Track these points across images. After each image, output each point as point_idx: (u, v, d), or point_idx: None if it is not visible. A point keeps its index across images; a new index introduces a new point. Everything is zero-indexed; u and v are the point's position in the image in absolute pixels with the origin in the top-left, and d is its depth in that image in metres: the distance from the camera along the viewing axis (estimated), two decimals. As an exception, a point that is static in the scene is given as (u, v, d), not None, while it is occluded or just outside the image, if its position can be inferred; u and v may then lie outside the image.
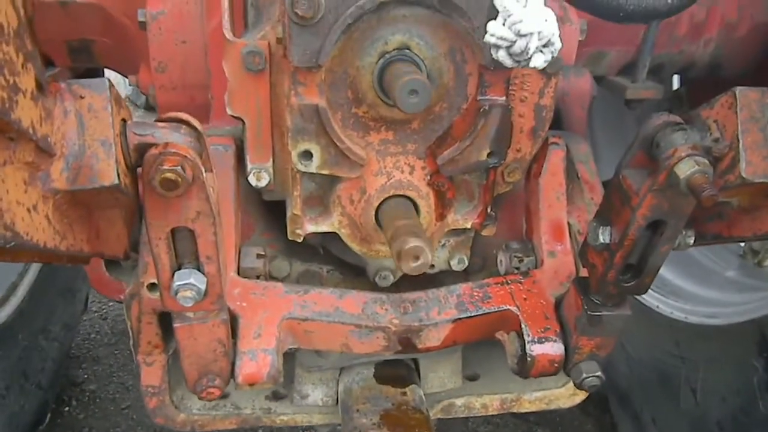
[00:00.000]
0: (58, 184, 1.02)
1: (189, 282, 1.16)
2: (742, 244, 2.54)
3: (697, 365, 2.44)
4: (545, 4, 0.88)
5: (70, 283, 3.15)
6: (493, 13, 1.07)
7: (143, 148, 1.05)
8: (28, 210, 0.97)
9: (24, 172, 0.96)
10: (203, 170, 1.05)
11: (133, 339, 1.54)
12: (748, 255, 2.52)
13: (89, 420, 3.23)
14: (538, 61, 0.92)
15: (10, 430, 2.60)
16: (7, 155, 0.93)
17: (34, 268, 2.79)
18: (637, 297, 2.69)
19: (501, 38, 0.92)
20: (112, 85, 1.08)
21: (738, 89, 1.11)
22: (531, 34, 0.87)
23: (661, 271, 2.12)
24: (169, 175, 1.00)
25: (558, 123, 1.81)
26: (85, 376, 3.45)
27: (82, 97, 1.03)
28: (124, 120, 1.10)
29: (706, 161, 1.07)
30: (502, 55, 0.95)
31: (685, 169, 1.07)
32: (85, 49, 2.08)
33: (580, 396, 1.80)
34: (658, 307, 2.64)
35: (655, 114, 1.18)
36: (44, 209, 1.01)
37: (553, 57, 0.94)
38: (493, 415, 2.65)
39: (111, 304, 3.80)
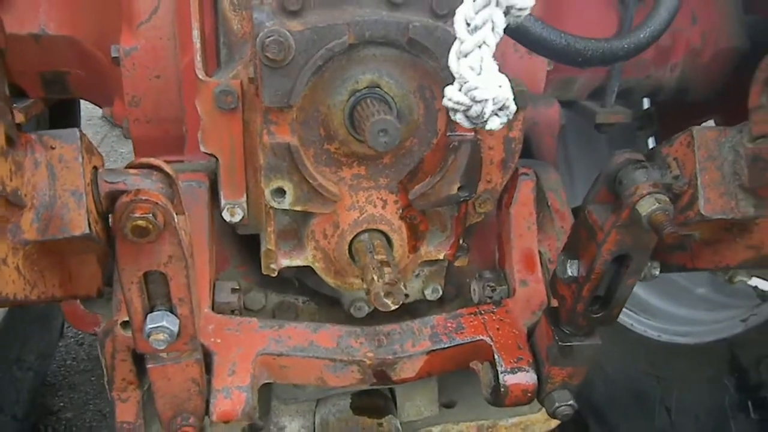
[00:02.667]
0: (28, 236, 1.02)
1: (161, 325, 1.16)
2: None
3: (671, 384, 2.48)
4: (499, 70, 0.91)
5: (45, 311, 3.12)
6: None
7: (114, 196, 1.06)
8: None
9: None
10: (174, 215, 1.06)
11: (108, 375, 1.53)
12: (719, 272, 2.57)
13: (65, 449, 3.20)
14: (494, 124, 0.95)
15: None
16: None
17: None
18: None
19: (458, 103, 0.95)
20: (83, 135, 1.09)
21: (695, 129, 1.15)
22: (486, 100, 0.89)
23: (635, 288, 2.17)
24: (140, 222, 1.02)
25: (528, 151, 1.85)
26: (62, 404, 3.41)
27: (52, 148, 1.04)
28: (95, 167, 1.11)
29: (667, 199, 1.11)
30: (459, 118, 0.98)
31: (646, 207, 1.11)
32: (59, 81, 2.08)
33: (555, 421, 1.82)
34: (632, 325, 2.69)
35: (618, 151, 1.21)
36: (14, 261, 1.01)
37: (508, 119, 0.97)
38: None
39: (88, 329, 3.75)
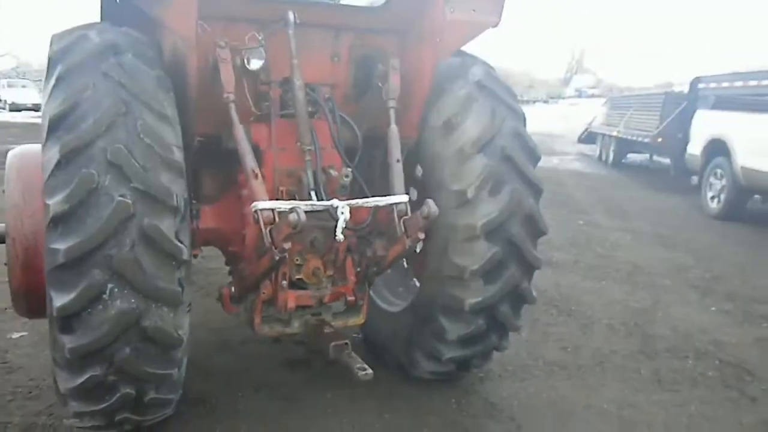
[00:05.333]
0: None
1: (286, 281, 5.79)
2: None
3: (398, 330, 7.09)
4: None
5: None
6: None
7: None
8: None
9: None
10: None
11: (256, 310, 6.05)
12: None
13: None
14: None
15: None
16: None
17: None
18: (383, 305, 7.71)
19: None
20: None
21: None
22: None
23: (388, 296, 7.79)
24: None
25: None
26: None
27: None
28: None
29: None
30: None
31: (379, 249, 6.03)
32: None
33: (362, 319, 6.60)
34: (386, 307, 7.56)
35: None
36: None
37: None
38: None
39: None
